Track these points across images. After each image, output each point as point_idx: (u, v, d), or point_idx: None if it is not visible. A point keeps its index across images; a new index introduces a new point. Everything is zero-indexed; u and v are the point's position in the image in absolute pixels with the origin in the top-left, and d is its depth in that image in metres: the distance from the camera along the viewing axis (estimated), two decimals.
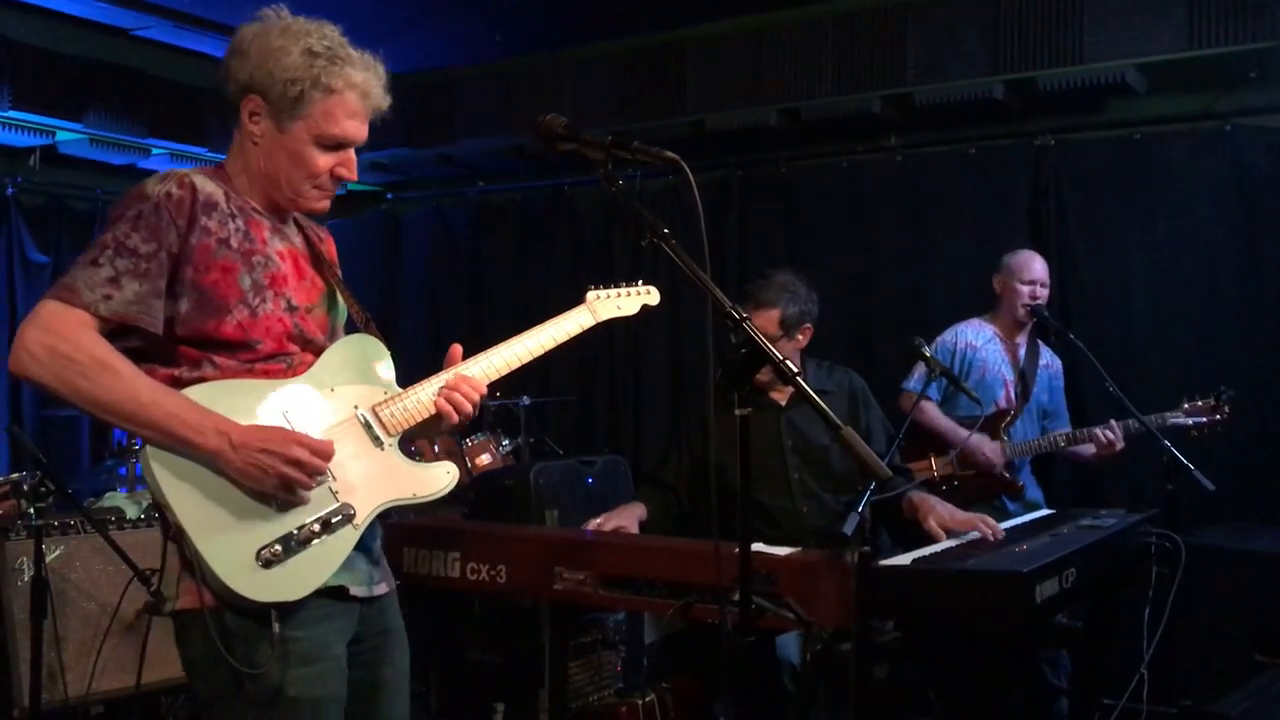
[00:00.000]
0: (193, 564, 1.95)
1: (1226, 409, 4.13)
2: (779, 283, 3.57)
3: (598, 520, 3.31)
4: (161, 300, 2.01)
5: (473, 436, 5.69)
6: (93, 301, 1.96)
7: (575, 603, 3.03)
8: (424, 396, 2.22)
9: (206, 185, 2.08)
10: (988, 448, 4.31)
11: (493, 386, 6.24)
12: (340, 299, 2.29)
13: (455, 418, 2.23)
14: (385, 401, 2.18)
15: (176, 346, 2.04)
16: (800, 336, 3.58)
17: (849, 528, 2.48)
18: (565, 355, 6.58)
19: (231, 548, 1.95)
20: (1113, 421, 4.19)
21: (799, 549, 2.85)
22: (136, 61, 6.10)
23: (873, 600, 2.47)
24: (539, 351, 2.42)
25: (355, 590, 2.12)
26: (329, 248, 2.36)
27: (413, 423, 2.20)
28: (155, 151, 6.35)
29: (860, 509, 2.51)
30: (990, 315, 4.60)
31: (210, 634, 1.94)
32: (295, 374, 2.11)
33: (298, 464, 1.97)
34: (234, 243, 2.07)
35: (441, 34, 6.23)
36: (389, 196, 7.62)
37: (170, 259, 2.01)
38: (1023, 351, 4.55)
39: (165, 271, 2.01)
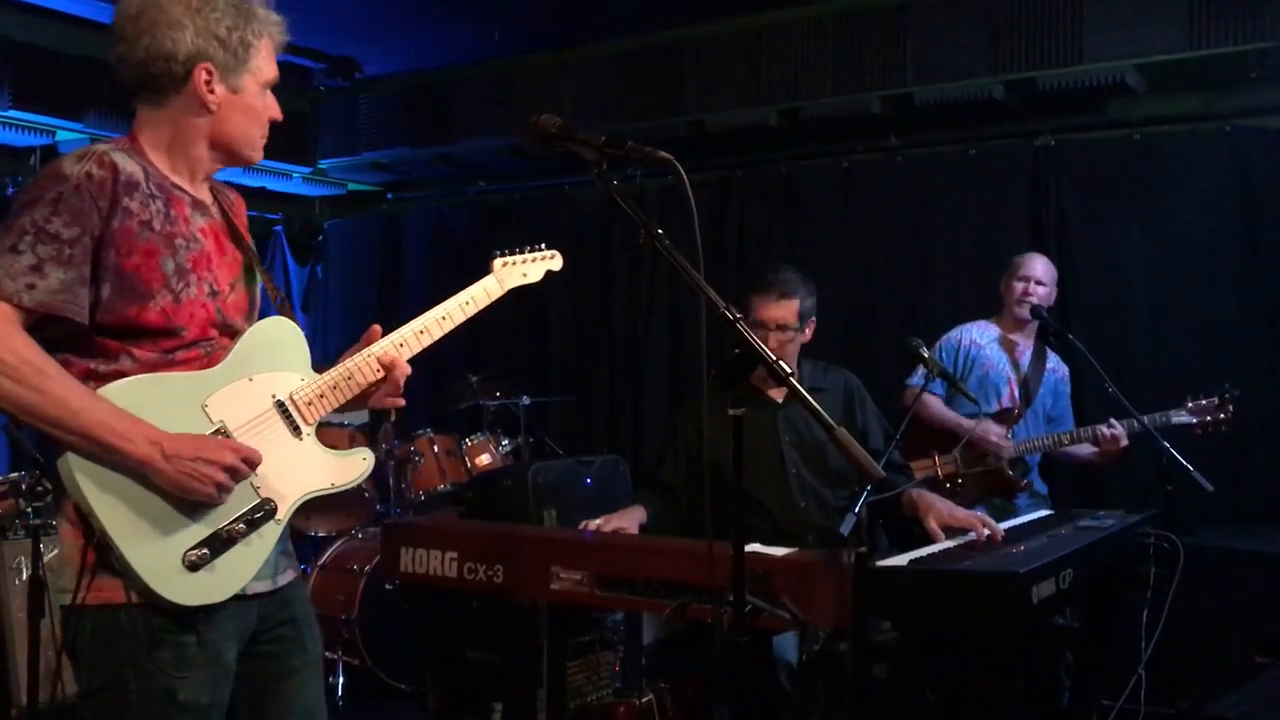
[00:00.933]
0: (114, 565, 1.91)
1: (1231, 408, 4.14)
2: (795, 275, 3.63)
3: (597, 521, 3.30)
4: (87, 288, 1.91)
5: (472, 436, 5.70)
6: (15, 292, 1.85)
7: (572, 603, 3.03)
8: (339, 381, 2.17)
9: (127, 164, 1.98)
10: (994, 432, 4.33)
11: (493, 386, 6.20)
12: (257, 271, 2.22)
13: (367, 399, 2.20)
14: (303, 388, 2.13)
15: (93, 337, 1.94)
16: (808, 330, 3.62)
17: (846, 528, 2.48)
18: (565, 354, 6.66)
19: (157, 553, 1.91)
20: (1113, 420, 4.19)
21: (796, 549, 2.85)
22: None
23: (870, 601, 2.47)
24: (450, 323, 2.34)
25: (257, 587, 2.08)
26: (241, 214, 2.27)
27: (331, 408, 2.17)
28: None
29: (857, 509, 2.51)
30: (997, 317, 4.65)
31: (135, 630, 1.91)
32: (212, 362, 2.05)
33: (232, 471, 1.95)
34: (156, 225, 1.98)
35: (441, 34, 6.22)
36: (389, 196, 7.63)
37: (93, 243, 1.91)
38: (1028, 354, 4.57)
39: (89, 257, 1.91)
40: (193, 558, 1.93)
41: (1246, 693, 3.17)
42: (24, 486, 3.86)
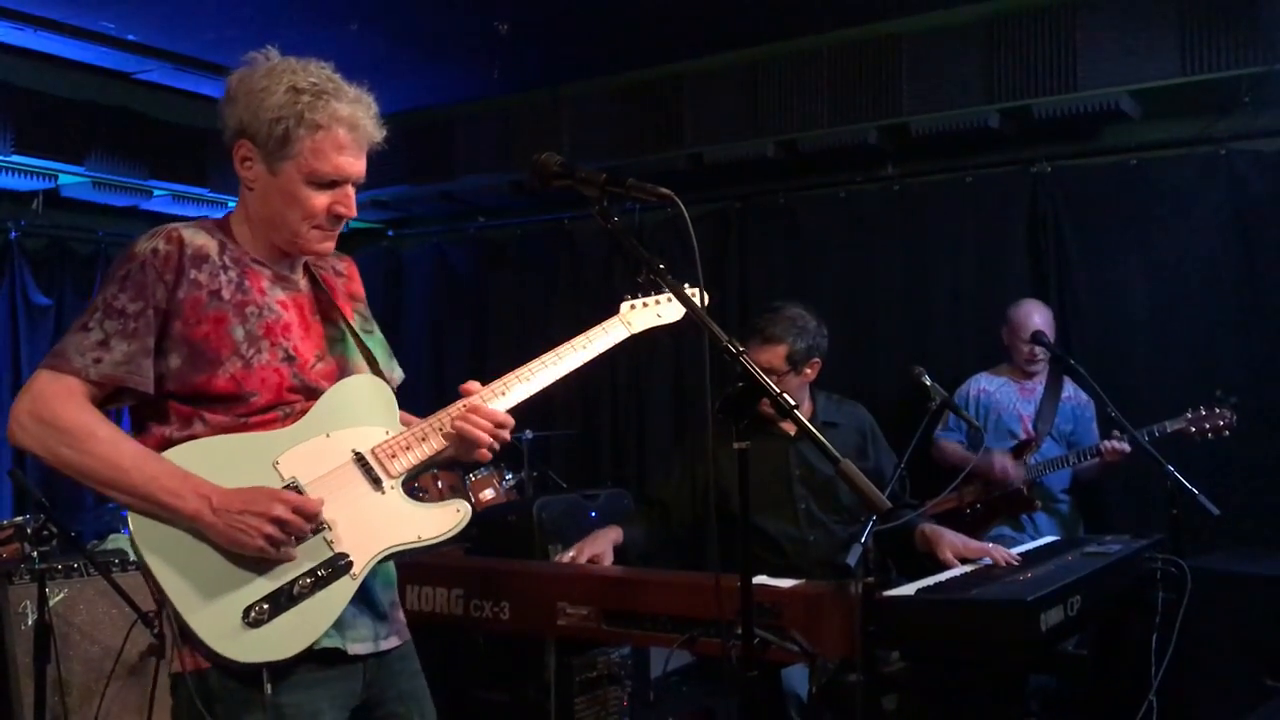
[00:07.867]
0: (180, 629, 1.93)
1: (1231, 414, 4.18)
2: (787, 317, 3.55)
3: (570, 553, 3.30)
4: (151, 359, 2.00)
5: (476, 471, 5.69)
6: (83, 367, 1.96)
7: (579, 638, 3.02)
8: (428, 433, 2.15)
9: (196, 238, 2.07)
10: (998, 461, 4.48)
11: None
12: (351, 341, 2.22)
13: (470, 450, 2.17)
14: (386, 442, 2.13)
15: (167, 403, 2.02)
16: (809, 370, 3.59)
17: (852, 559, 2.49)
18: (567, 389, 6.59)
19: (217, 610, 1.92)
20: (1116, 432, 4.33)
21: (803, 581, 2.84)
22: (138, 104, 6.15)
23: (878, 631, 2.46)
24: (565, 368, 2.34)
25: (357, 648, 2.07)
26: (349, 284, 2.31)
27: (416, 462, 2.13)
28: (157, 193, 6.38)
29: (864, 540, 2.52)
30: (1007, 366, 4.82)
31: (193, 699, 1.92)
32: (291, 423, 2.07)
33: (280, 523, 1.93)
34: (226, 294, 2.05)
35: (441, 72, 6.27)
36: (390, 233, 7.65)
37: (159, 315, 2.00)
38: (1039, 389, 4.72)
39: (154, 329, 2.00)
40: (254, 614, 1.93)
41: (1258, 717, 3.16)
42: (29, 531, 3.85)
